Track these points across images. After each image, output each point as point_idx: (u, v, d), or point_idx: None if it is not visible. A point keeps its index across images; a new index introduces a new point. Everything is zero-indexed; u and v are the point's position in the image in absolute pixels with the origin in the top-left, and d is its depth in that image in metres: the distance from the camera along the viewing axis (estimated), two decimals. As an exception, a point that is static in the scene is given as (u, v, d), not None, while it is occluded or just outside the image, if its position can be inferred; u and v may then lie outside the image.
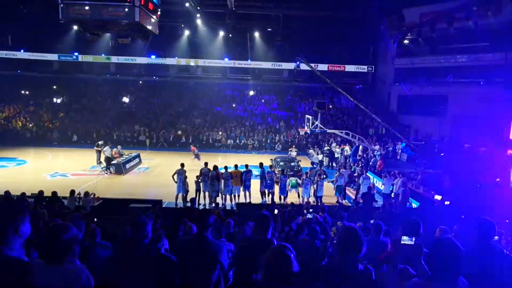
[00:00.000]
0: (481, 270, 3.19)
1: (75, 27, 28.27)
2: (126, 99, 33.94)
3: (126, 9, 11.35)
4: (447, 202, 11.72)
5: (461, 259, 2.28)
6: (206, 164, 14.28)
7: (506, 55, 22.88)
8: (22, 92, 33.92)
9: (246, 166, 14.55)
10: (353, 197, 15.56)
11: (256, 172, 15.20)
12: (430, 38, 25.98)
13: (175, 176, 13.66)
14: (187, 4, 23.46)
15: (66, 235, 2.53)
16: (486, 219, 3.47)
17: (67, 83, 34.91)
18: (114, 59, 35.02)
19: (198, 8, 26.83)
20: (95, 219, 6.91)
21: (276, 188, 14.55)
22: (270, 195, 14.19)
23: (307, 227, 5.61)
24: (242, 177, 14.01)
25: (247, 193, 14.22)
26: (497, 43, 23.51)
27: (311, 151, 25.93)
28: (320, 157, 23.40)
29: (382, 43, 33.07)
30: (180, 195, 13.69)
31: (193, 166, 15.83)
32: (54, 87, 34.99)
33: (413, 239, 2.70)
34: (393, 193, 14.68)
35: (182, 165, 14.02)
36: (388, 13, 29.76)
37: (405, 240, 2.70)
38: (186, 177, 13.75)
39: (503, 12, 21.80)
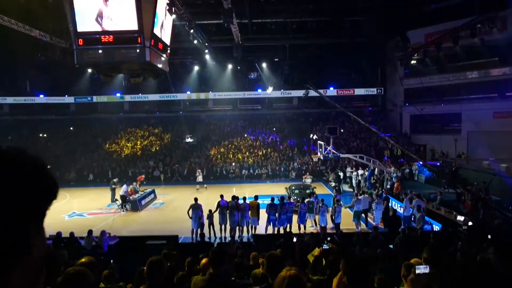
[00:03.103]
0: None
1: (90, 70, 29.57)
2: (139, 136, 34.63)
3: (138, 50, 11.82)
4: (470, 223, 11.32)
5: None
6: (222, 196, 14.18)
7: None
8: (40, 135, 34.96)
9: (272, 199, 14.08)
10: (373, 223, 15.15)
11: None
12: (437, 57, 26.05)
13: (190, 212, 13.63)
14: (195, 41, 24.24)
15: (84, 281, 2.56)
16: None
17: (83, 124, 35.94)
18: (128, 97, 36.24)
19: (206, 44, 27.64)
20: (111, 261, 6.91)
21: (295, 218, 14.24)
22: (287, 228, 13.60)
23: (324, 259, 5.48)
24: (258, 209, 13.78)
25: (269, 227, 13.82)
26: (506, 58, 23.48)
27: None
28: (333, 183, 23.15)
29: (390, 64, 33.28)
30: (196, 230, 13.61)
31: (207, 200, 15.81)
32: (71, 128, 36.01)
33: (428, 268, 2.63)
34: (413, 216, 14.30)
35: (196, 199, 13.99)
36: (393, 35, 30.13)
37: (420, 269, 2.62)
38: (202, 211, 13.70)
39: (509, 28, 21.88)
